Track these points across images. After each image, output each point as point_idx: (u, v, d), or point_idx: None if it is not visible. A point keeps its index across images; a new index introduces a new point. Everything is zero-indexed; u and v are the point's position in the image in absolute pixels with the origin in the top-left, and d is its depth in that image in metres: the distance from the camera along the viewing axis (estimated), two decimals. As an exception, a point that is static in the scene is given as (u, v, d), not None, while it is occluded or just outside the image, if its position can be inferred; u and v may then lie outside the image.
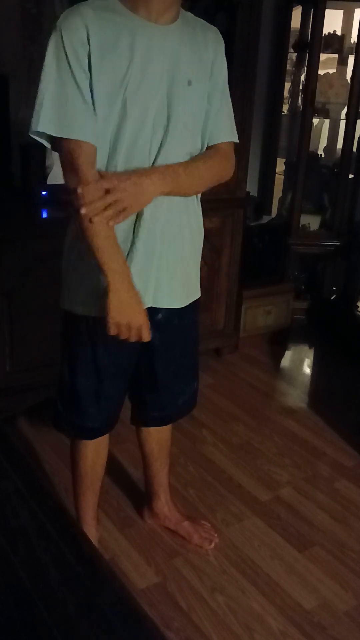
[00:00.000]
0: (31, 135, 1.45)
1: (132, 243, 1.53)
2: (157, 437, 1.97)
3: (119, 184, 1.39)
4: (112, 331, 1.50)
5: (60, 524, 1.15)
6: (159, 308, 1.64)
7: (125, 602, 1.00)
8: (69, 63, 1.36)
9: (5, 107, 2.51)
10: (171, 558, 1.99)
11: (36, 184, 2.57)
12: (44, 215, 2.55)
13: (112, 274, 1.45)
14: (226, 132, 1.61)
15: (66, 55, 1.35)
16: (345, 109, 3.47)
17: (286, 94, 3.61)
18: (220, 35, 1.58)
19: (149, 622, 0.99)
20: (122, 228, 1.49)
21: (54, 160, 2.74)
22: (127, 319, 1.49)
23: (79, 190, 1.39)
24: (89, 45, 1.35)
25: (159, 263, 1.57)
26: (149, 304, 1.59)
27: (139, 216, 1.50)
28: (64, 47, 1.35)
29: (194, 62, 1.48)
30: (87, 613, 0.96)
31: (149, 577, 1.91)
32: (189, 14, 1.54)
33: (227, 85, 1.60)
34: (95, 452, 1.84)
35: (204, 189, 1.61)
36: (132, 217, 1.50)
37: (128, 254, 1.52)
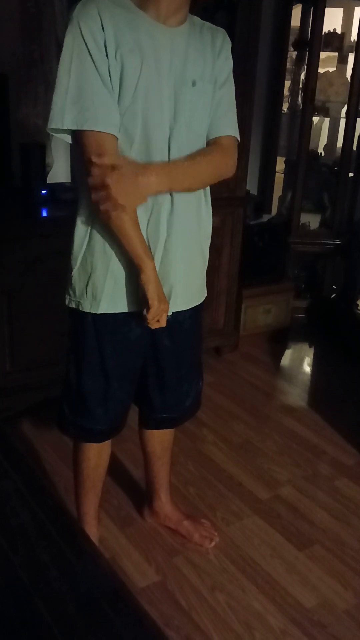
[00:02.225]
0: (49, 131, 1.43)
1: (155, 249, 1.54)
2: (160, 437, 1.97)
3: (112, 179, 1.34)
4: (153, 314, 1.54)
5: (60, 523, 1.15)
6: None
7: (125, 600, 1.00)
8: (89, 50, 1.34)
9: (5, 107, 2.51)
10: (171, 557, 1.99)
11: (36, 184, 2.57)
12: (44, 214, 2.55)
13: (145, 262, 1.48)
14: (227, 126, 1.57)
15: (85, 43, 1.34)
16: (345, 107, 3.48)
17: (286, 92, 3.61)
18: (228, 37, 1.57)
19: (149, 621, 0.99)
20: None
21: (54, 160, 2.74)
22: (163, 303, 1.54)
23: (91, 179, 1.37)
24: (104, 32, 1.35)
25: (174, 267, 1.58)
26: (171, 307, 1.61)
27: (156, 222, 1.51)
28: (82, 36, 1.34)
29: (198, 63, 1.48)
30: (87, 612, 0.96)
31: (149, 575, 1.91)
32: (197, 18, 1.54)
33: (232, 85, 1.59)
34: (98, 454, 1.83)
35: (204, 185, 1.59)
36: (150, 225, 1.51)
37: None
